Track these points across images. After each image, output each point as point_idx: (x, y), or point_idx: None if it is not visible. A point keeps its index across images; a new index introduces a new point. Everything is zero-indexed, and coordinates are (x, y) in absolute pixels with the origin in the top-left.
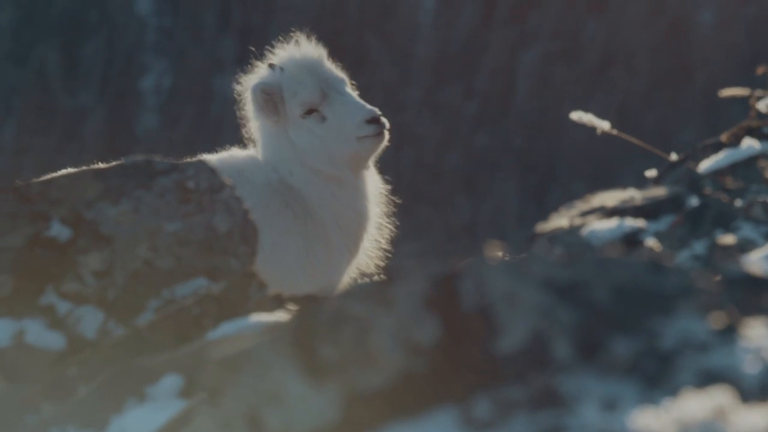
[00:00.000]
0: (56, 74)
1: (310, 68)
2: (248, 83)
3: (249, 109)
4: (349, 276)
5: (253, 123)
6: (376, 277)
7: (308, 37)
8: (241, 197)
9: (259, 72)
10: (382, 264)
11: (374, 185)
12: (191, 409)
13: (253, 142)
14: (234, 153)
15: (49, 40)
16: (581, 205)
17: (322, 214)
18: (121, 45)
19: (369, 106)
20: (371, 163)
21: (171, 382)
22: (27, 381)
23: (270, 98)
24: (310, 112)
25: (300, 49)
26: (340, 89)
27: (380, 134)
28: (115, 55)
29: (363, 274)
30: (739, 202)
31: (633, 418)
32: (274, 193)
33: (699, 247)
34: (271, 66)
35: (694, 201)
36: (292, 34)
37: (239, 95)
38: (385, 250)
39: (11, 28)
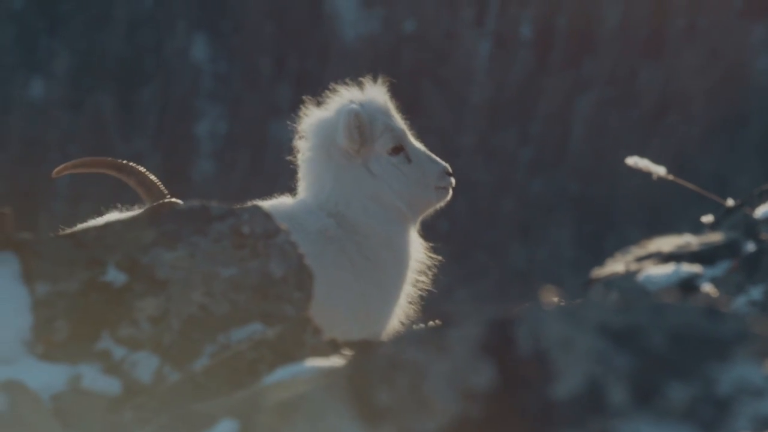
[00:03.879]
0: (112, 120)
1: (392, 108)
2: (326, 114)
3: (313, 144)
4: (396, 321)
5: (317, 157)
6: (431, 322)
7: (375, 82)
8: (296, 242)
9: (326, 110)
10: (429, 309)
11: (416, 236)
12: None
13: (306, 181)
14: (283, 201)
15: (104, 86)
16: (637, 251)
17: (384, 253)
18: (177, 91)
19: (441, 161)
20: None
21: (226, 427)
22: (83, 426)
23: (360, 125)
24: (397, 150)
25: (374, 91)
26: (409, 137)
27: (450, 189)
28: (171, 101)
29: (411, 321)
30: None
31: None
32: (330, 241)
33: (755, 292)
34: (352, 101)
35: (750, 246)
36: (359, 79)
37: (300, 133)
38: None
39: (67, 75)
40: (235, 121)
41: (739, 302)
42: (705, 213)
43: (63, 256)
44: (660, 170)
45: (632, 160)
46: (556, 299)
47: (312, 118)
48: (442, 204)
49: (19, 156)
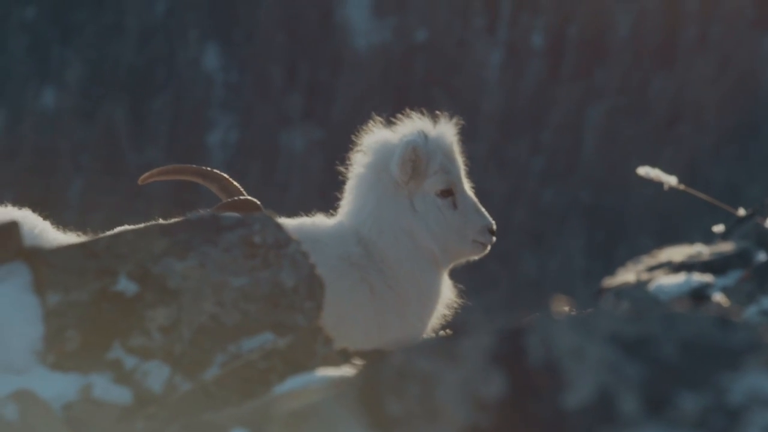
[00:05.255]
0: (123, 130)
1: (456, 152)
2: (391, 137)
3: (368, 162)
4: None
5: (368, 176)
6: (441, 332)
7: (449, 117)
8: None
9: (393, 133)
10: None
11: (447, 278)
12: None
13: (351, 195)
14: (317, 221)
15: (116, 95)
16: (648, 260)
17: (408, 286)
18: (188, 101)
19: (488, 216)
20: None
21: None
22: None
23: (416, 159)
24: (446, 194)
25: (445, 127)
26: (464, 184)
27: (489, 246)
28: (182, 111)
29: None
30: None
31: None
32: (351, 268)
33: (767, 302)
34: (419, 133)
35: (761, 256)
36: (436, 112)
37: (360, 147)
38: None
39: (79, 84)
40: (247, 130)
41: (751, 312)
42: (716, 222)
43: (74, 265)
44: (671, 180)
45: (644, 170)
46: (567, 309)
47: (376, 136)
48: (475, 257)
49: (30, 165)
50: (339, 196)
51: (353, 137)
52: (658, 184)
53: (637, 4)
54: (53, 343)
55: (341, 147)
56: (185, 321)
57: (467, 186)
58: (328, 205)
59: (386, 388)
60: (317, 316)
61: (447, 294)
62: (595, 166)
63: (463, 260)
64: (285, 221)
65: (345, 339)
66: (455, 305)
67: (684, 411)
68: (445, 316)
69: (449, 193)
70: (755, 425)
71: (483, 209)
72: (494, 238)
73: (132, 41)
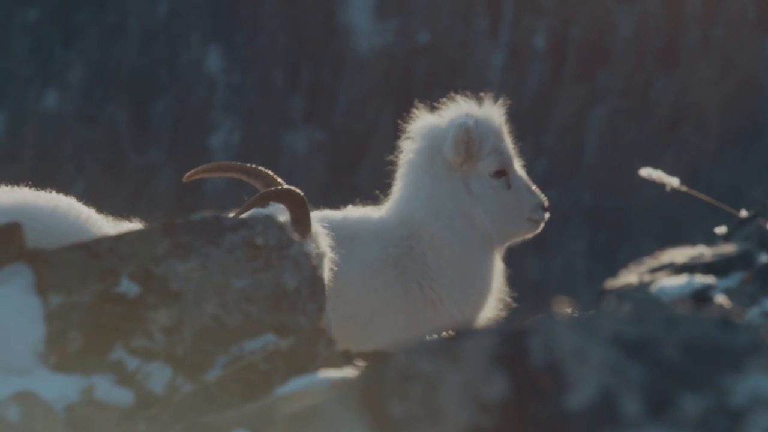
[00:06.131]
0: (126, 132)
1: (506, 132)
2: (440, 122)
3: (419, 147)
4: None
5: (420, 161)
6: (444, 333)
7: (495, 101)
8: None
9: (439, 117)
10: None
11: (499, 261)
12: None
13: (403, 182)
14: (366, 212)
15: (118, 98)
16: (651, 262)
17: (453, 277)
18: (191, 102)
19: (540, 193)
20: None
21: None
22: None
23: (470, 141)
24: (500, 174)
25: (491, 110)
26: (515, 163)
27: (542, 223)
28: (185, 113)
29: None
30: None
31: None
32: (387, 268)
33: None
34: (469, 115)
35: (764, 258)
36: (480, 95)
37: (408, 134)
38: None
39: (81, 87)
40: (249, 132)
41: (753, 313)
42: (718, 224)
43: (76, 267)
44: (674, 181)
45: (646, 172)
46: (569, 310)
47: (424, 121)
48: (530, 236)
49: (32, 167)
50: (340, 197)
51: (356, 139)
52: (661, 186)
53: (639, 6)
54: (55, 345)
55: (343, 149)
56: (187, 322)
57: (518, 165)
58: (330, 207)
59: (388, 390)
60: (319, 317)
61: (499, 279)
62: (597, 168)
63: (517, 240)
64: (328, 214)
65: (374, 338)
66: (507, 295)
67: (686, 412)
68: (498, 305)
69: (503, 173)
70: (757, 426)
71: (535, 187)
72: (547, 215)
73: (134, 43)
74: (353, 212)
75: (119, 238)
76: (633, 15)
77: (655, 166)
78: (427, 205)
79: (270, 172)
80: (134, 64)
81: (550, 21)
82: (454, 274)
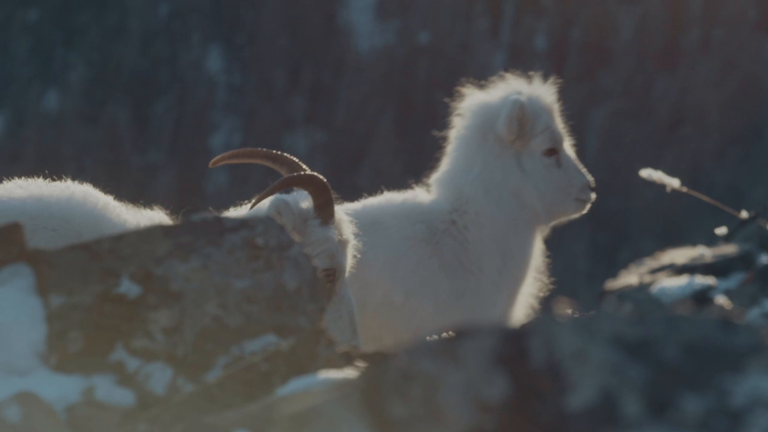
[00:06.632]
0: (127, 132)
1: (556, 110)
2: (491, 99)
3: (470, 124)
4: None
5: (472, 138)
6: (444, 333)
7: (544, 79)
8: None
9: (490, 94)
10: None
11: (540, 242)
12: None
13: (453, 157)
14: (387, 198)
15: (119, 98)
16: (651, 263)
17: (495, 253)
18: (192, 103)
19: (587, 173)
20: None
21: None
22: None
23: (523, 118)
24: (551, 152)
25: (543, 88)
26: (565, 144)
27: (589, 204)
28: (185, 113)
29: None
30: None
31: None
32: (417, 246)
33: None
34: (518, 93)
35: (764, 258)
36: (529, 73)
37: (458, 111)
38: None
39: (82, 87)
40: (250, 133)
41: (753, 314)
42: (719, 225)
43: (77, 267)
44: (674, 182)
45: (646, 172)
46: (569, 311)
47: (475, 98)
48: (576, 216)
49: (33, 168)
50: (341, 197)
51: (356, 139)
52: (661, 187)
53: (639, 7)
54: (56, 345)
55: (344, 149)
56: (188, 323)
57: (567, 144)
58: None
59: (389, 390)
60: (320, 318)
61: (538, 259)
62: (598, 169)
63: (562, 220)
64: (346, 205)
65: (412, 318)
66: (545, 277)
67: (686, 413)
68: (540, 282)
69: (554, 151)
70: (757, 427)
71: (582, 167)
72: (594, 195)
73: (135, 44)
74: (372, 200)
75: (120, 238)
76: (633, 16)
77: (656, 166)
78: (478, 180)
79: (295, 159)
80: (135, 64)
81: (550, 21)
82: (495, 247)
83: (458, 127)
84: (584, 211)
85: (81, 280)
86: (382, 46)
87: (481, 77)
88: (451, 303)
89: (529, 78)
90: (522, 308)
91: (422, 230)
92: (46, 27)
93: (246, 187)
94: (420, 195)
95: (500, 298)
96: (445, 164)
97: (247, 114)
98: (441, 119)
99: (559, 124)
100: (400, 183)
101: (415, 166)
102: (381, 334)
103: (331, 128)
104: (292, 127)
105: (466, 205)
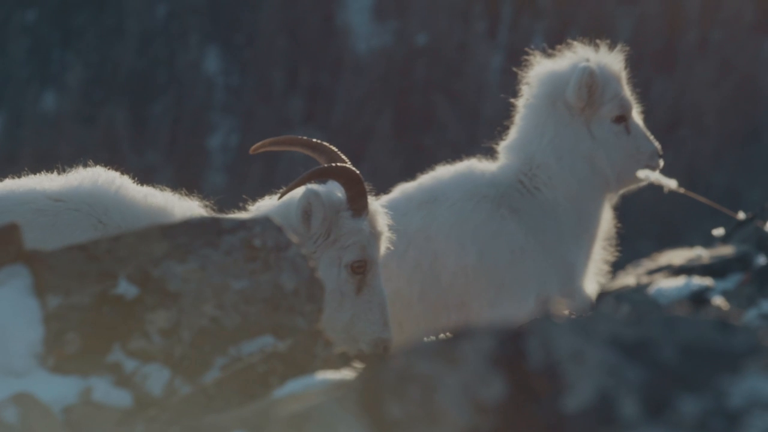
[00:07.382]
0: (124, 133)
1: (625, 78)
2: (559, 67)
3: (539, 92)
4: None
5: (542, 106)
6: (442, 335)
7: (610, 48)
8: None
9: (558, 63)
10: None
11: (609, 209)
12: None
13: (522, 125)
14: (439, 172)
15: (117, 99)
16: (648, 264)
17: (567, 217)
18: (189, 104)
19: (655, 140)
20: None
21: None
22: None
23: (593, 85)
24: (620, 119)
25: (611, 57)
26: (633, 112)
27: (656, 171)
28: (183, 114)
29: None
30: None
31: None
32: (481, 202)
33: (767, 305)
34: (587, 61)
35: (761, 260)
36: (596, 41)
37: (527, 79)
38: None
39: (80, 88)
40: (248, 134)
41: (751, 315)
42: (716, 226)
43: (74, 268)
44: (672, 183)
45: (644, 173)
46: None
47: (543, 67)
48: (643, 184)
49: (31, 169)
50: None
51: (355, 140)
52: (659, 188)
53: (637, 8)
54: (53, 346)
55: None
56: (185, 324)
57: (635, 112)
58: None
59: (386, 391)
60: (317, 318)
61: (606, 226)
62: None
63: (631, 188)
64: (402, 186)
65: (492, 271)
66: (614, 244)
67: (684, 414)
68: (608, 250)
69: (623, 119)
70: (755, 428)
71: (650, 135)
72: (662, 162)
73: (133, 44)
74: (425, 176)
75: (117, 239)
76: (631, 17)
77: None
78: (550, 147)
79: (334, 149)
80: (133, 65)
81: (548, 23)
82: (570, 207)
83: (527, 96)
84: (652, 180)
85: (78, 281)
86: (380, 47)
87: (479, 78)
88: (530, 250)
89: (596, 46)
90: (593, 275)
91: (486, 189)
92: (44, 28)
93: (244, 186)
94: (476, 164)
95: (580, 252)
96: (514, 132)
97: (245, 115)
98: (439, 120)
99: (627, 91)
100: (398, 183)
101: (412, 167)
102: (464, 301)
103: (329, 129)
104: (290, 128)
105: (537, 170)
